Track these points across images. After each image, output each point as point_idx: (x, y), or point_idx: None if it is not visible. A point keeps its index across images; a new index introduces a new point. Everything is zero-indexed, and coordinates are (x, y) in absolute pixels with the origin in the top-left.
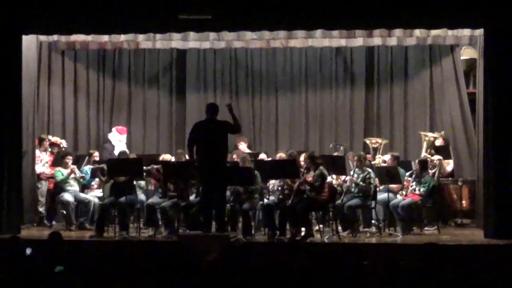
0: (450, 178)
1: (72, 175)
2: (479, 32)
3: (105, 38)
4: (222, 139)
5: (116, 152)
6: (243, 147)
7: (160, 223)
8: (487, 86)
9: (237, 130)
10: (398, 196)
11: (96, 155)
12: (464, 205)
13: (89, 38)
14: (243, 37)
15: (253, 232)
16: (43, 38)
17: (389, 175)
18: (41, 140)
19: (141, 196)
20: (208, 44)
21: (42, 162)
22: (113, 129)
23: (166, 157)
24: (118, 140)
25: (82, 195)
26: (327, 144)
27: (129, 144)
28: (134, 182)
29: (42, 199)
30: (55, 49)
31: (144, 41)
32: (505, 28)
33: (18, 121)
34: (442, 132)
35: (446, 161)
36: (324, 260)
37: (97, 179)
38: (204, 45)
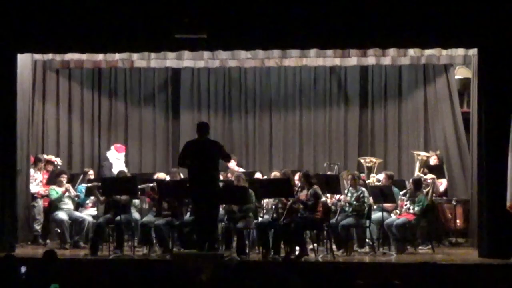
0: (444, 197)
1: (67, 194)
2: (473, 51)
3: (100, 57)
4: (214, 158)
5: (114, 170)
6: (232, 164)
7: (154, 241)
8: (481, 106)
9: (226, 160)
10: (392, 215)
11: (91, 173)
12: (458, 224)
13: (83, 57)
14: (237, 56)
15: (247, 251)
16: (38, 56)
17: (383, 194)
18: (38, 160)
19: (135, 214)
20: (203, 63)
21: (36, 181)
22: (112, 147)
23: (161, 175)
24: (116, 158)
25: (77, 213)
26: (321, 163)
27: (126, 162)
28: None
29: (39, 217)
30: (49, 68)
31: (138, 60)
32: (499, 48)
33: (12, 140)
34: (438, 152)
35: (439, 180)
36: (318, 279)
37: (92, 197)
38: (198, 64)
